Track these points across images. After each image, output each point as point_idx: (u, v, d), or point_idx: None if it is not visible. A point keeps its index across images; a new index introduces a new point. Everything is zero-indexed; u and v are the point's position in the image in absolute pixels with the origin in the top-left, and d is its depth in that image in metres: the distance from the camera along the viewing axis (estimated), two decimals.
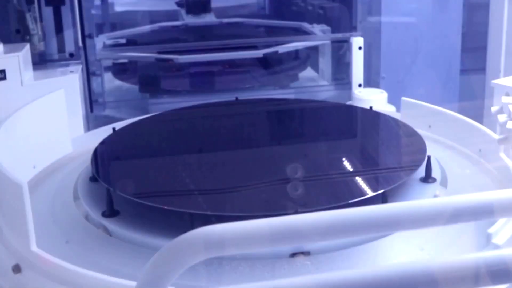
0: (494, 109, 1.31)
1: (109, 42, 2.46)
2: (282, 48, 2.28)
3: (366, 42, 2.08)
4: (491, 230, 1.06)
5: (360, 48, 1.97)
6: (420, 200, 0.68)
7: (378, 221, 0.68)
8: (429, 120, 1.52)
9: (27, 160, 1.37)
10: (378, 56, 2.50)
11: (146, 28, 2.67)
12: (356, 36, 2.18)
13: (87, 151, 1.40)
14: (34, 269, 1.03)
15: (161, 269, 0.60)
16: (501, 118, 1.28)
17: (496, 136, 1.31)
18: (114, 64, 2.52)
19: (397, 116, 1.56)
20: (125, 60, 2.48)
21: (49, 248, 1.06)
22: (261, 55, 2.20)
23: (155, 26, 2.68)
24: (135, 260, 1.06)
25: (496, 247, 1.04)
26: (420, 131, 1.41)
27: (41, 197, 1.30)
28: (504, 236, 1.06)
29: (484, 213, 0.68)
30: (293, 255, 1.05)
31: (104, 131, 1.52)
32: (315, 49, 2.53)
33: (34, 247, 1.04)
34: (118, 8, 2.78)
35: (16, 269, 1.05)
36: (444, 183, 1.29)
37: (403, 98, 1.58)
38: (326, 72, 2.46)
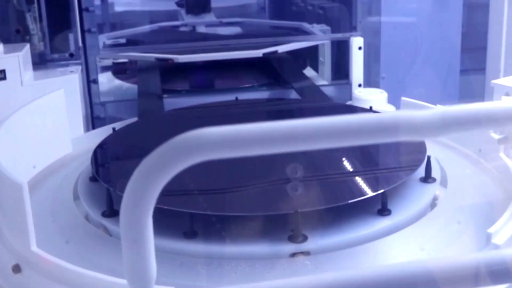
0: None
1: (109, 42, 2.46)
2: (281, 48, 2.28)
3: (365, 42, 2.08)
4: (491, 230, 1.06)
5: (360, 48, 1.98)
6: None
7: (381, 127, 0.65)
8: None
9: (27, 160, 1.37)
10: (378, 56, 2.51)
11: (146, 28, 2.68)
12: (356, 36, 2.18)
13: (87, 151, 1.40)
14: (34, 269, 1.03)
15: (153, 171, 0.60)
16: None
17: (496, 136, 1.31)
18: (114, 63, 2.52)
19: None
20: (125, 60, 2.48)
21: (49, 248, 1.06)
22: (260, 55, 2.20)
23: (155, 26, 2.68)
24: None
25: (496, 247, 1.04)
26: None
27: (41, 197, 1.30)
28: (504, 236, 1.06)
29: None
30: (293, 255, 1.05)
31: (104, 131, 1.52)
32: (314, 48, 2.53)
33: (34, 247, 1.04)
34: (118, 8, 2.78)
35: (16, 269, 1.05)
36: (444, 183, 1.29)
37: (403, 98, 1.58)
38: (326, 72, 2.46)
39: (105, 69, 2.50)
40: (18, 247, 1.07)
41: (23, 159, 1.34)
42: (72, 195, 1.28)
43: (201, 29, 2.68)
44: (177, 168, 0.59)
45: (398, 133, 0.63)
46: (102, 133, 1.50)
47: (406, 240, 1.11)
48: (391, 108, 1.78)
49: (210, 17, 2.75)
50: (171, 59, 2.16)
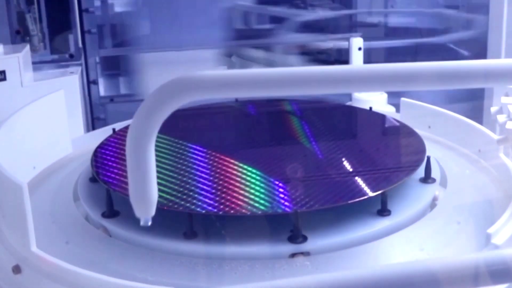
0: (493, 109, 1.31)
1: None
2: None
3: (365, 42, 2.08)
4: (490, 230, 1.06)
5: (359, 48, 1.98)
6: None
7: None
8: (429, 120, 1.52)
9: (27, 161, 1.37)
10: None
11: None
12: (355, 36, 2.18)
13: (87, 151, 1.40)
14: (34, 269, 1.03)
15: (153, 109, 0.68)
16: (501, 118, 1.28)
17: (496, 137, 1.31)
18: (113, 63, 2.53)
19: (397, 116, 1.56)
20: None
21: (49, 248, 1.06)
22: None
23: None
24: (135, 260, 1.06)
25: (496, 247, 1.04)
26: (419, 131, 1.41)
27: (41, 197, 1.30)
28: (504, 236, 1.06)
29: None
30: (293, 255, 1.05)
31: (104, 132, 1.52)
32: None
33: (34, 248, 1.04)
34: (118, 9, 2.78)
35: (16, 269, 1.05)
36: (443, 183, 1.29)
37: (403, 99, 1.58)
38: None
39: (105, 69, 2.50)
40: (18, 248, 1.07)
41: (23, 160, 1.34)
42: (72, 196, 1.28)
43: None
44: (174, 106, 0.68)
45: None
46: (102, 134, 1.50)
47: (406, 240, 1.11)
48: (390, 109, 1.78)
49: None
50: None
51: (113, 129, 1.47)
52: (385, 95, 1.79)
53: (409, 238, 1.11)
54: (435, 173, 1.27)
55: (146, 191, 0.72)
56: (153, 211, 0.74)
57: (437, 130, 1.50)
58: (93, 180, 1.28)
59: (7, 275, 1.06)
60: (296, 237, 1.06)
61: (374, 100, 1.75)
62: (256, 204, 1.12)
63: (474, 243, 1.10)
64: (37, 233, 1.05)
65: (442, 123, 1.50)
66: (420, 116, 1.54)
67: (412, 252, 1.08)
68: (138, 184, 0.71)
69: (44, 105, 1.42)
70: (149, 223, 0.74)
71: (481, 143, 1.38)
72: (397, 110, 1.66)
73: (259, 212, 1.10)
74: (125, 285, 0.95)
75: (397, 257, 1.08)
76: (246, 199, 1.13)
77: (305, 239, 1.07)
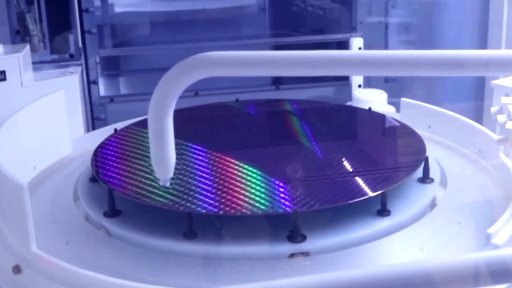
0: (493, 109, 1.31)
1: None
2: None
3: (365, 43, 2.08)
4: (490, 230, 1.06)
5: (360, 48, 1.98)
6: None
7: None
8: (429, 120, 1.52)
9: (27, 161, 1.37)
10: None
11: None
12: (356, 36, 2.18)
13: (87, 152, 1.41)
14: (34, 269, 1.03)
15: (172, 83, 0.77)
16: (501, 118, 1.28)
17: (496, 137, 1.31)
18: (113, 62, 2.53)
19: (397, 116, 1.57)
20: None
21: (49, 248, 1.06)
22: None
23: None
24: (135, 261, 1.06)
25: (496, 247, 1.04)
26: (419, 131, 1.41)
27: (41, 197, 1.30)
28: (504, 236, 1.06)
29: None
30: (292, 255, 1.05)
31: (104, 132, 1.52)
32: (314, 48, 2.53)
33: (34, 248, 1.04)
34: (118, 9, 2.78)
35: (16, 269, 1.05)
36: (443, 183, 1.29)
37: (403, 99, 1.58)
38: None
39: (105, 69, 2.50)
40: (18, 248, 1.07)
41: (23, 160, 1.34)
42: (72, 196, 1.28)
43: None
44: (190, 81, 0.76)
45: None
46: (102, 133, 1.50)
47: (406, 240, 1.11)
48: (390, 109, 1.78)
49: None
50: None
51: (115, 129, 1.47)
52: (385, 95, 1.79)
53: (409, 238, 1.11)
54: (434, 173, 1.27)
55: (166, 155, 0.82)
56: (171, 173, 0.85)
57: (437, 130, 1.50)
58: (93, 180, 1.28)
59: (7, 275, 1.06)
60: (295, 236, 1.06)
61: (374, 100, 1.75)
62: (256, 204, 1.12)
63: (474, 243, 1.10)
64: (37, 233, 1.05)
65: (442, 123, 1.50)
66: (420, 116, 1.54)
67: (412, 252, 1.08)
68: (159, 149, 0.82)
69: (44, 105, 1.42)
70: (168, 184, 0.85)
71: (481, 143, 1.38)
72: (397, 110, 1.66)
73: (259, 212, 1.10)
74: (125, 285, 0.95)
75: (397, 257, 1.08)
76: (246, 199, 1.13)
77: (304, 238, 1.07)
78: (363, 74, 1.54)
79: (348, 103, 1.83)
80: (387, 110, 1.75)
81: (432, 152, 1.33)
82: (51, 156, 1.45)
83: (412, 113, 1.55)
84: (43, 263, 1.02)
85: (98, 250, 1.10)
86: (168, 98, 0.78)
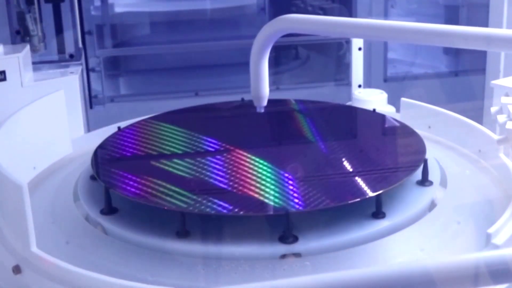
0: (493, 109, 1.31)
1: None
2: None
3: (366, 43, 2.08)
4: (490, 230, 1.06)
5: (360, 49, 1.97)
6: None
7: None
8: (429, 120, 1.52)
9: (27, 161, 1.37)
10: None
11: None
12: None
13: (87, 152, 1.40)
14: (34, 269, 1.03)
15: (266, 34, 1.15)
16: (501, 118, 1.28)
17: (496, 137, 1.31)
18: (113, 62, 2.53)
19: (397, 116, 1.57)
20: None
21: (49, 249, 1.06)
22: None
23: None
24: (135, 260, 1.06)
25: (496, 247, 1.04)
26: (419, 131, 1.41)
27: (41, 198, 1.30)
28: (504, 236, 1.06)
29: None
30: (283, 256, 1.05)
31: (104, 132, 1.52)
32: (315, 48, 2.53)
33: (34, 248, 1.04)
34: (118, 9, 2.79)
35: (16, 269, 1.05)
36: (443, 184, 1.28)
37: (403, 99, 1.58)
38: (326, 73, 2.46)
39: (105, 67, 2.50)
40: (18, 248, 1.07)
41: (23, 160, 1.34)
42: (72, 196, 1.28)
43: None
44: (278, 34, 1.15)
45: None
46: (102, 133, 1.50)
47: (406, 240, 1.11)
48: (391, 109, 1.77)
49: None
50: None
51: (118, 127, 1.47)
52: (385, 95, 1.79)
53: (409, 238, 1.11)
54: (434, 174, 1.27)
55: (261, 89, 1.20)
56: (265, 102, 1.23)
57: (437, 130, 1.50)
58: (93, 178, 1.28)
59: (7, 275, 1.06)
60: (287, 237, 1.06)
61: (374, 100, 1.75)
62: (256, 204, 1.12)
63: (474, 243, 1.10)
64: (37, 233, 1.05)
65: (442, 123, 1.50)
66: (420, 116, 1.53)
67: (412, 252, 1.08)
68: (257, 84, 1.19)
69: (44, 105, 1.42)
70: (262, 110, 1.22)
71: (481, 143, 1.38)
72: (397, 110, 1.66)
73: (252, 213, 1.10)
74: (124, 285, 0.95)
75: (396, 257, 1.08)
76: (241, 199, 1.13)
77: (296, 239, 1.06)
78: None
79: (348, 103, 1.83)
80: (387, 110, 1.75)
81: (432, 152, 1.33)
82: (51, 156, 1.44)
83: (412, 113, 1.55)
84: (43, 263, 1.02)
85: (98, 250, 1.10)
86: (262, 48, 1.15)
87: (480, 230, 1.11)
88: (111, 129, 1.51)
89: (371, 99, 1.76)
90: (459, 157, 1.43)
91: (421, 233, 1.13)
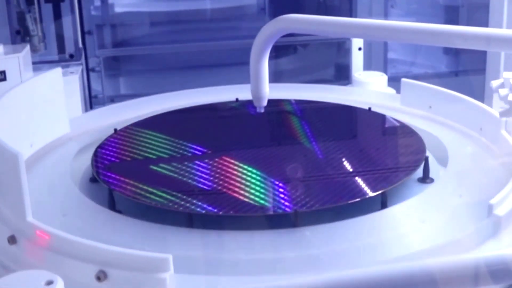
0: (495, 83, 1.29)
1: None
2: None
3: (366, 43, 2.08)
4: (492, 201, 1.06)
5: (360, 49, 1.97)
6: None
7: None
8: (430, 100, 1.52)
9: (24, 138, 1.35)
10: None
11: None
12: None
13: (84, 131, 1.40)
14: (29, 240, 1.03)
15: (266, 34, 1.16)
16: (503, 92, 1.26)
17: (497, 114, 1.31)
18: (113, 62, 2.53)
19: (397, 97, 1.57)
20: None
21: (45, 221, 1.05)
22: None
23: None
24: (132, 231, 1.06)
25: (498, 218, 1.04)
26: (420, 111, 1.40)
27: (38, 174, 1.30)
28: (506, 207, 1.06)
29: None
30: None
31: (101, 113, 1.52)
32: (315, 48, 2.53)
33: (29, 218, 1.03)
34: (118, 9, 2.79)
35: (12, 240, 1.04)
36: (444, 162, 1.28)
37: (403, 79, 1.58)
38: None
39: (105, 66, 2.50)
40: (13, 218, 1.06)
41: (20, 136, 1.32)
42: (69, 173, 1.27)
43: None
44: (278, 35, 1.16)
45: None
46: (100, 113, 1.50)
47: (407, 212, 1.10)
48: (391, 91, 1.77)
49: None
50: None
51: (115, 130, 1.46)
52: (385, 77, 1.79)
53: (410, 210, 1.11)
54: (434, 173, 1.27)
55: (261, 88, 1.20)
56: (265, 102, 1.23)
57: (438, 109, 1.50)
58: (93, 180, 1.28)
59: (3, 246, 1.05)
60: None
61: (374, 82, 1.76)
62: (256, 204, 1.12)
63: (475, 215, 1.09)
64: (34, 208, 1.03)
65: (443, 102, 1.49)
66: (420, 96, 1.54)
67: (413, 224, 1.07)
68: (256, 84, 1.19)
69: (41, 82, 1.41)
70: (262, 110, 1.22)
71: (482, 121, 1.38)
72: (398, 91, 1.66)
73: (259, 212, 1.10)
74: (119, 252, 0.94)
75: (398, 228, 1.07)
76: (245, 199, 1.13)
77: None
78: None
79: (348, 86, 1.83)
80: (388, 91, 1.75)
81: (433, 131, 1.33)
82: (48, 134, 1.43)
83: (413, 94, 1.55)
84: (39, 233, 1.01)
85: (95, 222, 1.10)
86: (262, 48, 1.16)
87: (481, 202, 1.10)
88: (109, 109, 1.51)
89: (371, 80, 1.76)
90: (460, 135, 1.42)
91: (422, 205, 1.12)
